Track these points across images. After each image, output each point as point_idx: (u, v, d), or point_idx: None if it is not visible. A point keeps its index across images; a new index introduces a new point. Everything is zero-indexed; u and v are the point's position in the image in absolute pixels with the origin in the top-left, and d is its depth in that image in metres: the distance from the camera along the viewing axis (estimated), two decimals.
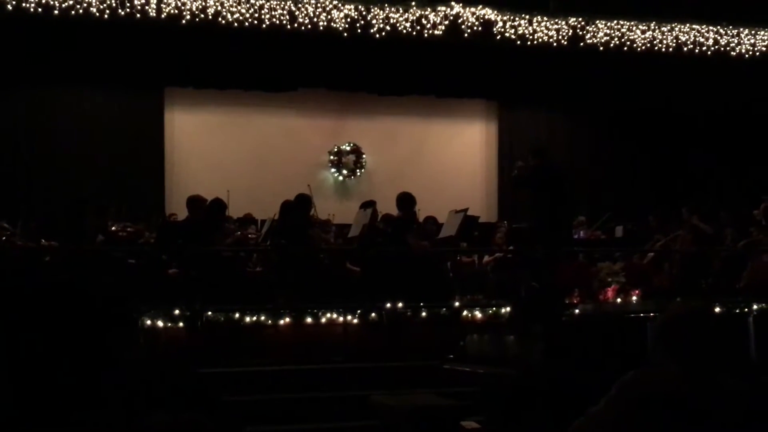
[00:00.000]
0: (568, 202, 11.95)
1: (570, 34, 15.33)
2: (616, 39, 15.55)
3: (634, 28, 15.65)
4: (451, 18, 14.71)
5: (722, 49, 16.01)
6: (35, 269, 9.19)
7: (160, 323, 9.01)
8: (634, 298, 11.00)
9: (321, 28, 14.14)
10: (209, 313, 9.21)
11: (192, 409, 7.82)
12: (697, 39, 15.90)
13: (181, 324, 9.10)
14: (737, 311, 10.46)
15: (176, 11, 13.57)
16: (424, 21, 14.59)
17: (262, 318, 9.39)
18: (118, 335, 7.89)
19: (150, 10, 13.46)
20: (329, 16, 14.17)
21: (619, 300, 10.90)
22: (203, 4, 13.66)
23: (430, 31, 14.61)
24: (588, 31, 15.44)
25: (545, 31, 15.21)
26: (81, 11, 13.22)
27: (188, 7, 13.61)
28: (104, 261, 9.99)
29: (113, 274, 9.75)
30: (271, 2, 13.96)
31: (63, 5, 13.18)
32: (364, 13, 14.35)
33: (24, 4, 13.08)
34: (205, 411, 7.91)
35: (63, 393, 6.74)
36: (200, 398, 8.12)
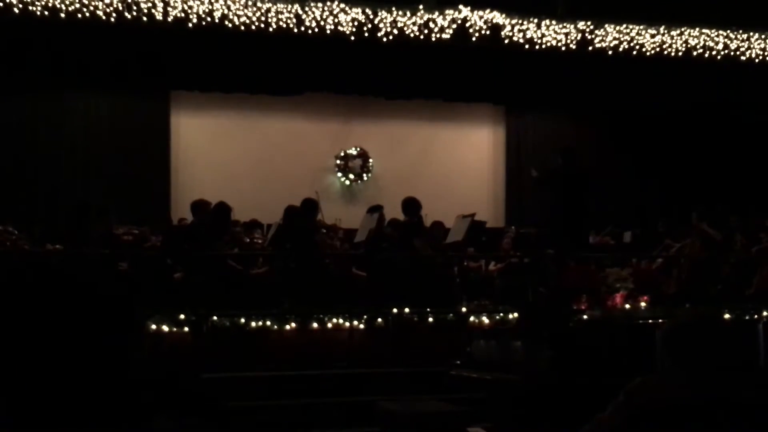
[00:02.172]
0: (588, 205, 11.95)
1: (578, 38, 15.26)
2: (624, 43, 15.47)
3: (643, 32, 15.56)
4: (459, 22, 14.65)
5: (732, 53, 15.92)
6: (38, 267, 9.14)
7: (165, 328, 8.98)
8: (643, 304, 10.93)
9: (328, 31, 14.10)
10: (215, 317, 9.18)
11: (197, 415, 7.79)
12: (707, 43, 15.80)
13: (186, 329, 9.07)
14: (747, 318, 10.37)
15: (183, 14, 13.55)
16: (431, 25, 14.54)
17: (268, 323, 9.36)
18: (121, 338, 7.87)
19: (156, 14, 13.44)
20: (336, 20, 14.13)
21: (627, 306, 10.83)
22: (210, 7, 13.64)
23: (438, 35, 14.55)
24: (596, 35, 15.36)
25: (553, 35, 15.14)
26: (87, 14, 13.21)
27: (195, 10, 13.58)
28: (108, 265, 9.95)
29: (118, 277, 9.71)
30: (278, 5, 13.93)
31: (69, 8, 13.16)
32: (371, 16, 14.30)
33: (30, 8, 13.08)
34: (210, 416, 7.89)
35: (64, 397, 6.70)
36: (205, 403, 8.09)
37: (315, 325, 9.51)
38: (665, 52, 15.66)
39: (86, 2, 13.18)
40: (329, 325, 9.52)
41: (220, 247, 10.33)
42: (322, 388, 8.79)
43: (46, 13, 13.11)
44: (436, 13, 14.60)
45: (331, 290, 10.15)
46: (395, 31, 14.39)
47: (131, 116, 15.89)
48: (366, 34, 14.24)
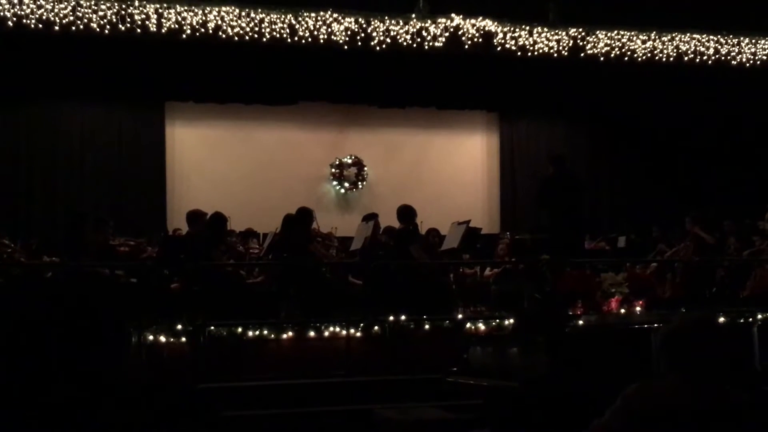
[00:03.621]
0: (582, 212, 11.97)
1: (570, 44, 15.32)
2: (616, 49, 15.53)
3: (634, 37, 15.63)
4: (452, 30, 14.70)
5: (723, 58, 15.99)
6: (33, 287, 9.16)
7: (162, 338, 8.97)
8: (638, 308, 10.94)
9: (321, 41, 14.14)
10: (212, 327, 9.17)
11: (194, 425, 7.79)
12: (698, 48, 15.87)
13: (183, 339, 9.06)
14: (741, 321, 10.40)
15: (176, 26, 13.58)
16: (424, 33, 14.58)
17: (265, 332, 9.34)
18: (110, 347, 7.88)
19: (150, 25, 13.47)
20: (329, 29, 14.17)
21: (622, 311, 10.84)
22: (203, 18, 13.67)
23: (431, 43, 14.60)
24: (588, 42, 15.42)
25: (545, 42, 15.19)
26: (81, 27, 13.23)
27: (188, 21, 13.61)
28: (104, 277, 9.95)
29: (114, 289, 9.71)
30: (272, 16, 13.96)
31: (63, 21, 13.19)
32: (364, 25, 14.35)
33: (25, 21, 13.10)
34: (208, 427, 7.89)
35: (61, 409, 6.72)
36: (202, 414, 8.10)
37: (312, 333, 9.50)
38: (656, 58, 15.72)
39: (80, 15, 13.20)
40: (326, 333, 9.51)
41: (216, 256, 10.34)
42: (320, 397, 8.79)
43: (40, 26, 13.14)
44: (429, 22, 14.65)
45: (327, 299, 10.15)
46: (388, 40, 14.43)
47: (126, 127, 15.91)
48: (359, 43, 14.29)
